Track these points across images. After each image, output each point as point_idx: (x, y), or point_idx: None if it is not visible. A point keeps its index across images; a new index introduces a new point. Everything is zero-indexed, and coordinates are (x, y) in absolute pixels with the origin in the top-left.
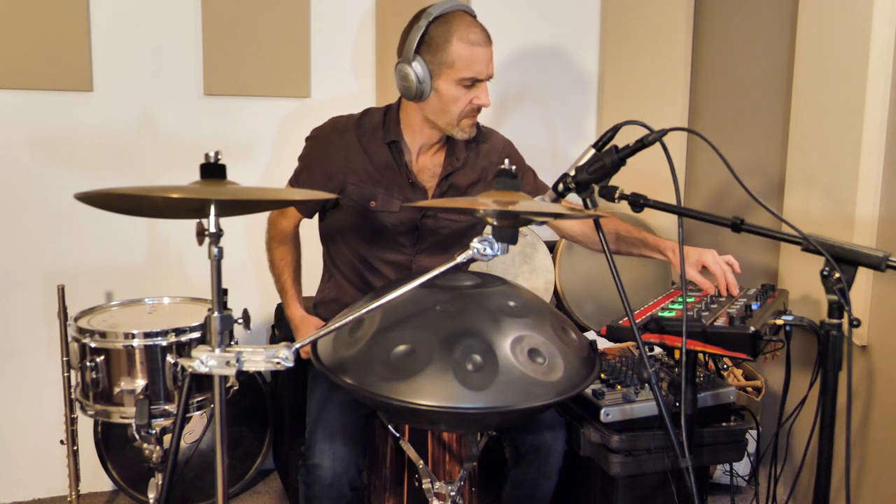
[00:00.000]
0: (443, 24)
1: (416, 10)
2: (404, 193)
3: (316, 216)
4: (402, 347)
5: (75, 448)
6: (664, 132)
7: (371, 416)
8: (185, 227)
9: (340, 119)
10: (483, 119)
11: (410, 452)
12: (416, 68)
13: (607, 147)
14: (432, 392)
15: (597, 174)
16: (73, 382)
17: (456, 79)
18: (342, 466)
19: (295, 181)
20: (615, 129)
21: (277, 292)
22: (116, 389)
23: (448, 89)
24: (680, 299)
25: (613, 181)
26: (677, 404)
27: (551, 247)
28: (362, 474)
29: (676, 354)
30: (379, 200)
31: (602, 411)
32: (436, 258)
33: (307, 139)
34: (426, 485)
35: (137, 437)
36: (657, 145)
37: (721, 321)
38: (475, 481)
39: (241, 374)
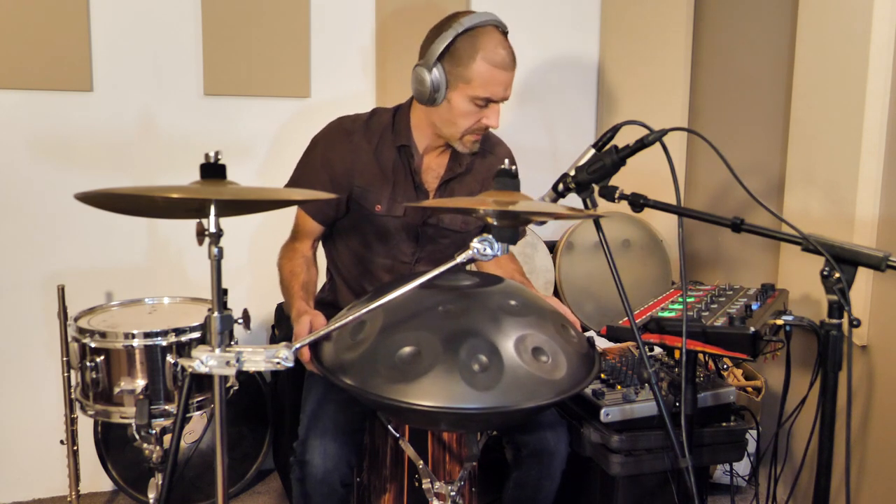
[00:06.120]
0: (471, 37)
1: (416, 11)
2: (408, 198)
3: None
4: (406, 349)
5: (75, 448)
6: (664, 132)
7: (365, 414)
8: (185, 227)
9: (347, 119)
10: None
11: (410, 452)
12: (435, 75)
13: (607, 147)
14: (439, 394)
15: (597, 174)
16: (73, 382)
17: (470, 95)
18: (333, 463)
19: (293, 185)
20: (615, 129)
21: (288, 303)
22: (116, 389)
23: (460, 103)
24: (680, 299)
25: (613, 181)
26: (677, 404)
27: (551, 247)
28: (362, 475)
29: (676, 354)
30: (384, 204)
31: (602, 411)
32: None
33: (312, 141)
34: (426, 485)
35: (137, 437)
36: (657, 145)
37: (721, 321)
38: (475, 481)
39: (241, 374)
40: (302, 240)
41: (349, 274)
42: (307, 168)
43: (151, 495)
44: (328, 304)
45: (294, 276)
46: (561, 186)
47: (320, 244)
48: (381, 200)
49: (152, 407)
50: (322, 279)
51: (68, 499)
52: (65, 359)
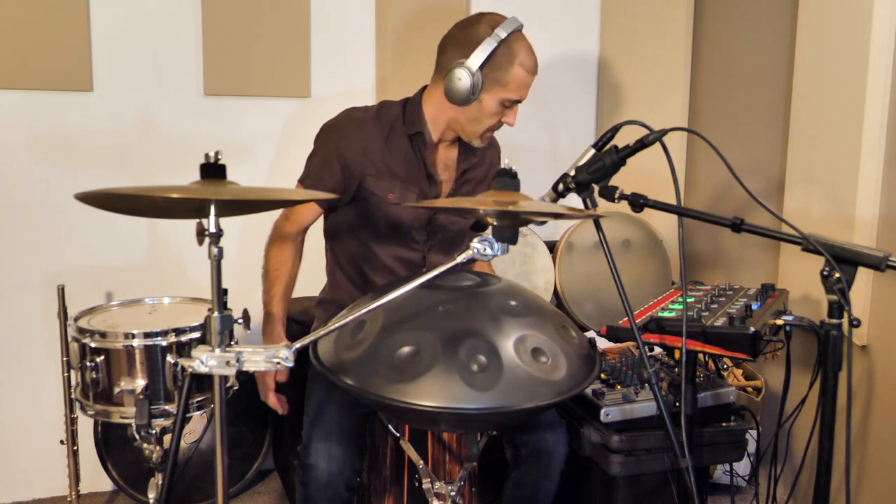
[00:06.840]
0: (507, 44)
1: (415, 11)
2: (420, 187)
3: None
4: (406, 349)
5: (75, 448)
6: (664, 132)
7: (369, 417)
8: (185, 227)
9: (357, 110)
10: None
11: (410, 452)
12: (477, 77)
13: (607, 147)
14: (438, 394)
15: (597, 174)
16: (73, 382)
17: (503, 98)
18: (338, 467)
19: (307, 176)
20: (615, 129)
21: (263, 303)
22: (116, 389)
23: (491, 104)
24: (680, 299)
25: (613, 181)
26: (677, 404)
27: (551, 247)
28: (361, 475)
29: (676, 354)
30: (397, 193)
31: (602, 411)
32: (448, 257)
33: (322, 131)
34: (426, 485)
35: (137, 437)
36: (657, 145)
37: (721, 321)
38: (475, 481)
39: (241, 374)
40: (296, 223)
41: (356, 268)
42: (319, 158)
43: (151, 495)
44: (329, 303)
45: (279, 276)
46: (561, 186)
47: (321, 244)
48: (393, 189)
49: (152, 407)
50: (322, 279)
51: (68, 499)
52: (65, 359)
